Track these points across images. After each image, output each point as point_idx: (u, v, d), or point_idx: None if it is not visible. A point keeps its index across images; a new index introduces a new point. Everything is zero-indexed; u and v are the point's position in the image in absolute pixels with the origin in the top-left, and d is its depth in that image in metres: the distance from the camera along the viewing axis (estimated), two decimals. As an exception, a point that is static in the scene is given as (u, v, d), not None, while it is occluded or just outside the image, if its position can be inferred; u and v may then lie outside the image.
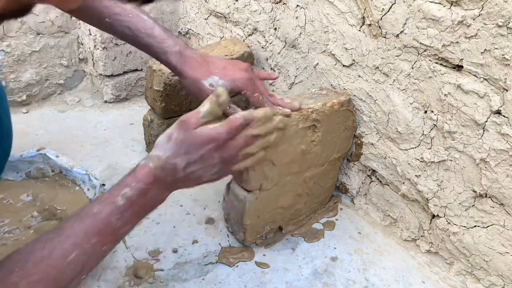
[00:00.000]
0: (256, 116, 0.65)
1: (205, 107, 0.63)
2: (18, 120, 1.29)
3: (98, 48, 1.31)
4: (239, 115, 0.64)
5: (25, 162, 0.96)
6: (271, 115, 0.67)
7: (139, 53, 1.37)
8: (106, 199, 0.58)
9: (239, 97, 0.80)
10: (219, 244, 0.88)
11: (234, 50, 1.10)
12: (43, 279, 0.51)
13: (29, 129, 1.24)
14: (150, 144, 1.11)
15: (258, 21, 1.11)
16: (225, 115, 0.67)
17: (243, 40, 1.17)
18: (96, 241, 0.55)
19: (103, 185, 0.93)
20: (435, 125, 0.78)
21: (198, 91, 0.76)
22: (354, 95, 0.91)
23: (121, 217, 0.57)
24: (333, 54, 0.93)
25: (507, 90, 0.65)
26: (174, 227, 0.92)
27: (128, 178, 0.61)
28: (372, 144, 0.91)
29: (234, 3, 1.16)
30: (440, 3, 0.70)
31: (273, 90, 1.15)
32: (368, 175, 0.96)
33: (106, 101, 1.40)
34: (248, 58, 1.12)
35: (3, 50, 1.25)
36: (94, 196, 0.89)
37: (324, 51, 0.95)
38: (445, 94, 0.74)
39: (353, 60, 0.89)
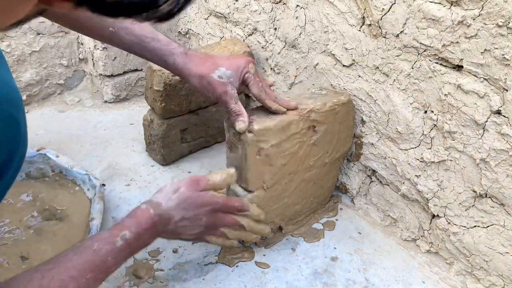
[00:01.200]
0: (252, 212, 0.75)
1: (216, 179, 0.72)
2: (18, 120, 1.29)
3: (98, 48, 1.31)
4: (239, 200, 0.74)
5: (25, 162, 0.96)
6: (263, 218, 0.77)
7: (139, 53, 1.37)
8: (106, 238, 0.61)
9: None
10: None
11: (234, 50, 1.10)
12: None
13: (29, 129, 1.24)
14: (150, 144, 1.11)
15: (258, 21, 1.11)
16: (245, 84, 0.78)
17: (243, 40, 1.17)
18: (91, 277, 0.57)
19: (103, 185, 0.93)
20: (435, 125, 0.78)
21: (207, 86, 0.77)
22: (354, 95, 0.91)
23: (116, 257, 0.60)
24: (333, 54, 0.93)
25: (507, 90, 0.65)
26: (174, 227, 0.92)
27: (129, 220, 0.64)
28: (372, 144, 0.91)
29: (234, 3, 1.16)
30: (440, 3, 0.70)
31: (273, 91, 1.14)
32: (368, 175, 0.96)
33: (106, 101, 1.40)
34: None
35: (3, 50, 1.25)
36: (94, 196, 0.89)
37: (324, 51, 0.95)
38: (445, 94, 0.74)
39: (353, 60, 0.89)
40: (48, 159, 0.97)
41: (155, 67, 1.01)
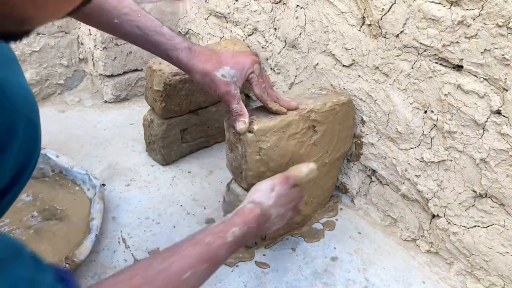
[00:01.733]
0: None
1: (302, 174, 0.76)
2: (18, 120, 1.29)
3: (98, 48, 1.31)
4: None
5: None
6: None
7: (139, 53, 1.37)
8: (217, 233, 0.63)
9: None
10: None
11: (234, 50, 1.10)
12: (162, 287, 0.55)
13: (29, 129, 1.24)
14: (150, 144, 1.11)
15: (258, 21, 1.11)
16: (248, 83, 0.78)
17: (243, 40, 1.17)
18: (206, 267, 0.60)
19: (103, 185, 0.93)
20: (435, 125, 0.78)
21: (210, 83, 0.77)
22: (354, 95, 0.91)
23: (226, 251, 0.63)
24: (333, 54, 0.93)
25: (507, 90, 0.65)
26: (174, 227, 0.92)
27: (237, 219, 0.67)
28: (372, 144, 0.91)
29: (234, 3, 1.16)
30: (440, 3, 0.70)
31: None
32: (368, 175, 0.96)
33: (106, 101, 1.40)
34: None
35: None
36: (94, 196, 0.89)
37: (324, 51, 0.95)
38: (445, 94, 0.74)
39: (353, 60, 0.89)
40: (48, 159, 0.97)
41: (155, 67, 1.01)
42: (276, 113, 0.79)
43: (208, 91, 0.78)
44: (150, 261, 0.56)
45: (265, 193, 0.71)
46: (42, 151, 0.97)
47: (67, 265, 0.74)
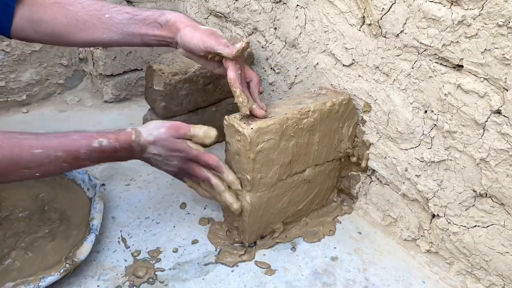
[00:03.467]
0: (226, 177, 0.80)
1: (196, 131, 0.79)
2: (18, 119, 1.29)
3: (98, 48, 1.31)
4: (215, 158, 0.80)
5: None
6: (236, 187, 0.80)
7: (139, 52, 1.37)
8: (86, 136, 0.73)
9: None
10: (219, 244, 0.88)
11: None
12: (7, 148, 0.66)
13: (29, 128, 1.23)
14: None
15: (258, 21, 1.11)
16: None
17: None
18: (61, 155, 0.69)
19: (103, 184, 0.93)
20: (435, 124, 0.78)
21: (194, 33, 0.80)
22: (354, 95, 0.91)
23: (88, 153, 0.72)
24: (333, 54, 0.92)
25: (507, 90, 0.65)
26: (174, 227, 0.92)
27: (111, 134, 0.75)
28: (372, 144, 0.91)
29: (234, 3, 1.16)
30: (440, 3, 0.70)
31: (273, 90, 1.15)
32: (368, 175, 0.96)
33: (106, 101, 1.40)
34: (248, 58, 1.12)
35: (3, 50, 1.25)
36: (94, 196, 0.89)
37: (324, 50, 0.95)
38: (445, 94, 0.74)
39: (353, 59, 0.89)
40: None
41: (155, 66, 1.01)
42: (238, 106, 0.77)
43: (193, 42, 0.79)
44: (17, 133, 0.68)
45: (149, 129, 0.77)
46: None
47: (67, 264, 0.74)
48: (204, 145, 0.80)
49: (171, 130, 0.77)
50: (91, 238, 0.79)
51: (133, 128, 0.78)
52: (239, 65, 0.80)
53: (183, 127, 0.79)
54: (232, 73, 0.78)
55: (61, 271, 0.73)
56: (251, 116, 0.78)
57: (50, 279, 0.72)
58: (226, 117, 0.79)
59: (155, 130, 0.77)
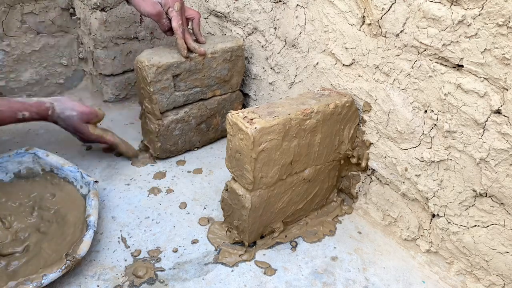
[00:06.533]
0: (120, 149, 1.09)
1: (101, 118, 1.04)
2: (18, 119, 1.29)
3: (98, 48, 1.31)
4: (112, 141, 1.06)
5: (14, 162, 0.95)
6: (129, 155, 1.11)
7: (139, 52, 1.36)
8: (11, 108, 0.90)
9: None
10: (219, 243, 0.88)
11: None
12: None
13: (29, 128, 1.24)
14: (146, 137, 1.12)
15: (258, 21, 1.10)
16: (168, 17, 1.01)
17: (243, 40, 1.17)
18: None
19: (96, 181, 0.93)
20: (435, 124, 0.78)
21: (142, 1, 0.99)
22: (354, 95, 0.91)
23: (13, 121, 0.91)
24: (333, 54, 0.92)
25: (507, 90, 0.65)
26: (174, 226, 0.92)
27: (34, 108, 0.93)
28: (372, 143, 0.91)
29: (234, 3, 1.16)
30: (440, 3, 0.70)
31: (273, 90, 1.15)
32: (368, 175, 0.96)
33: (106, 101, 1.40)
34: (238, 50, 1.12)
35: (3, 49, 1.25)
36: (88, 193, 0.88)
37: (324, 50, 0.95)
38: (445, 94, 0.74)
39: (353, 59, 0.89)
40: (38, 158, 0.96)
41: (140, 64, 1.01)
42: (178, 49, 1.00)
43: (139, 9, 1.00)
44: None
45: (64, 108, 0.97)
46: (31, 151, 0.96)
47: (68, 261, 0.74)
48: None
49: (82, 116, 0.98)
50: (90, 234, 0.79)
51: (51, 103, 0.96)
52: (180, 16, 0.99)
53: (92, 117, 1.00)
54: (175, 23, 0.99)
55: (63, 268, 0.73)
56: (189, 52, 1.02)
57: (52, 276, 0.72)
58: (229, 114, 0.78)
59: (68, 111, 0.97)
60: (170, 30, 1.02)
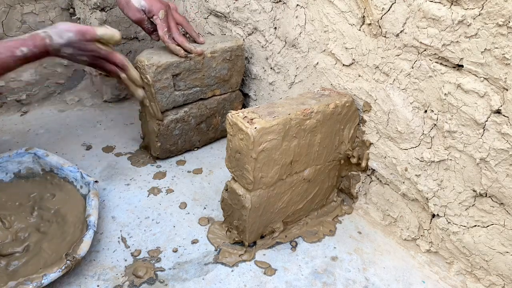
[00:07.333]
0: (130, 74, 0.97)
1: (100, 31, 0.90)
2: (18, 119, 1.29)
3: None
4: (122, 58, 0.95)
5: (14, 162, 0.96)
6: (139, 84, 1.00)
7: (139, 52, 1.36)
8: (8, 47, 0.82)
9: None
10: (219, 243, 0.88)
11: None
12: None
13: (29, 128, 1.24)
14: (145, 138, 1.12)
15: (258, 21, 1.10)
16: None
17: (243, 40, 1.17)
18: None
19: (96, 181, 0.93)
20: (435, 124, 0.78)
21: (126, 6, 1.00)
22: (354, 95, 0.91)
23: (16, 62, 0.83)
24: (333, 54, 0.92)
25: (507, 90, 0.65)
26: (174, 226, 0.92)
27: (29, 41, 0.84)
28: (372, 143, 0.91)
29: (234, 3, 1.16)
30: (440, 3, 0.70)
31: (273, 90, 1.15)
32: (368, 175, 0.96)
33: (106, 101, 1.40)
34: (238, 50, 1.12)
35: (3, 49, 1.25)
36: (88, 193, 0.89)
37: (324, 50, 0.95)
38: (445, 94, 0.74)
39: (353, 59, 0.89)
40: (38, 158, 0.96)
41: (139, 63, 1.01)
42: (173, 52, 1.00)
43: (123, 11, 1.01)
44: None
45: (59, 31, 0.87)
46: (31, 151, 0.96)
47: (68, 261, 0.74)
48: (105, 42, 0.93)
49: (78, 35, 0.88)
50: (90, 234, 0.79)
51: (45, 32, 0.87)
52: (164, 23, 0.99)
53: (89, 31, 0.90)
54: (160, 31, 0.99)
55: (63, 268, 0.73)
56: (187, 52, 1.01)
57: (53, 276, 0.72)
58: (229, 114, 0.79)
59: (65, 33, 0.88)
60: (153, 33, 1.05)
